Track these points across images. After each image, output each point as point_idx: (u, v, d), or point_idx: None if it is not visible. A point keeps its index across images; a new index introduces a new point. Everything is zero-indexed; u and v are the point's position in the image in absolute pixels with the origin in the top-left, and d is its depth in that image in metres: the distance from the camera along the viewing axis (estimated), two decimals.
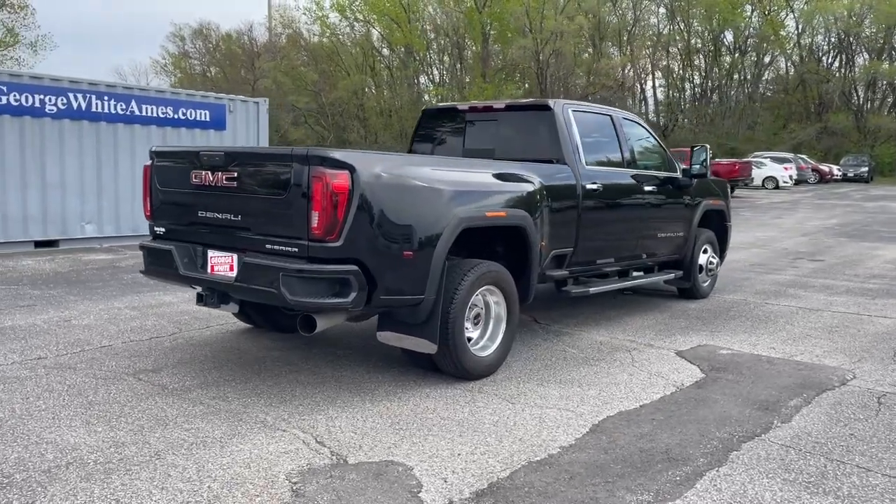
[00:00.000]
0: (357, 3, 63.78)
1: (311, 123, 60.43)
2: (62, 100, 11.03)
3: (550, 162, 5.99)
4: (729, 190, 8.64)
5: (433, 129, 6.90)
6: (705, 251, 8.01)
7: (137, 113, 11.92)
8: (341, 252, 4.13)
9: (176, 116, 12.42)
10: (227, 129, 13.16)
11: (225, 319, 6.37)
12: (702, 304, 7.76)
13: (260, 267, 4.25)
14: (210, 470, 3.38)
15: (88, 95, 11.34)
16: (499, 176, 5.13)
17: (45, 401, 4.28)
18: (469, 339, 4.89)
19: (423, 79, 67.36)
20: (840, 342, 6.22)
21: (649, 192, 6.86)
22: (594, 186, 6.12)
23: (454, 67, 66.12)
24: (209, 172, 4.61)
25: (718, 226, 8.36)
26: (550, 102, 6.17)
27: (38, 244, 10.95)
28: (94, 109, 11.39)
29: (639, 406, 4.47)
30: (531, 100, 6.37)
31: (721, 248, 8.45)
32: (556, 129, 6.04)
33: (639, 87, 59.94)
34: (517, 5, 56.10)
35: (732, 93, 57.61)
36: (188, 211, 4.82)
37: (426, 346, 4.54)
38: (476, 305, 4.90)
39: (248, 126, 13.55)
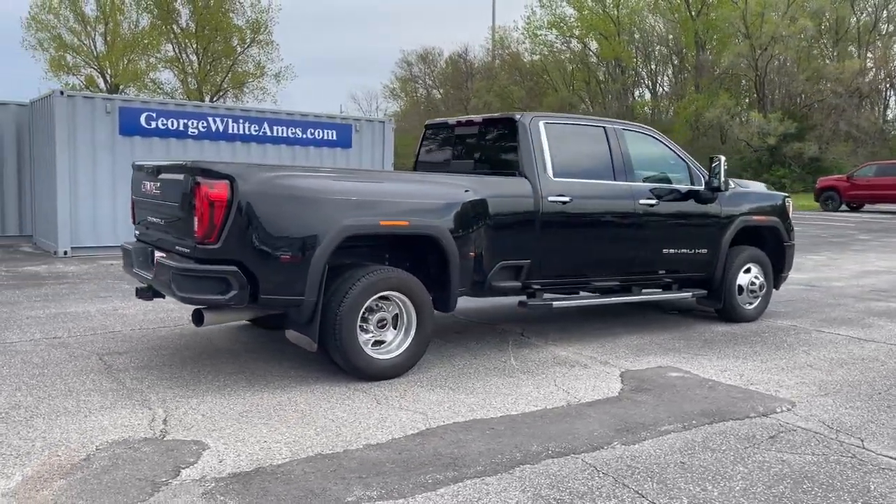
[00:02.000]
0: (571, 20, 64.01)
1: None
2: (203, 123, 12.66)
3: (513, 174, 6.04)
4: (788, 205, 7.88)
5: (432, 143, 7.17)
6: (748, 271, 7.42)
7: (269, 133, 13.31)
8: (220, 254, 4.62)
9: (304, 136, 13.66)
10: (352, 147, 14.20)
11: None
12: (735, 327, 7.21)
13: (162, 266, 4.87)
14: (51, 433, 4.01)
15: (226, 119, 12.90)
16: (412, 187, 5.34)
17: (11, 367, 5.22)
18: (381, 343, 5.16)
19: (639, 91, 65.94)
20: (836, 374, 5.58)
21: (650, 206, 6.58)
22: (562, 199, 6.05)
23: (666, 78, 63.95)
24: (149, 183, 5.34)
25: (773, 244, 7.70)
26: (517, 116, 6.21)
27: None
28: (230, 131, 12.93)
29: (501, 416, 4.47)
30: (501, 114, 6.44)
31: (777, 269, 7.76)
32: (518, 142, 6.08)
33: (893, 91, 53.59)
34: (734, 10, 53.08)
35: None
36: (144, 217, 5.60)
37: (309, 344, 4.89)
38: (381, 310, 5.14)
39: (373, 144, 14.51)
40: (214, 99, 58.17)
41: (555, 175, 6.12)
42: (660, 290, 7.04)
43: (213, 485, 3.41)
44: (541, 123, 6.20)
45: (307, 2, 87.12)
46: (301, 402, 4.62)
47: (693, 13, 58.08)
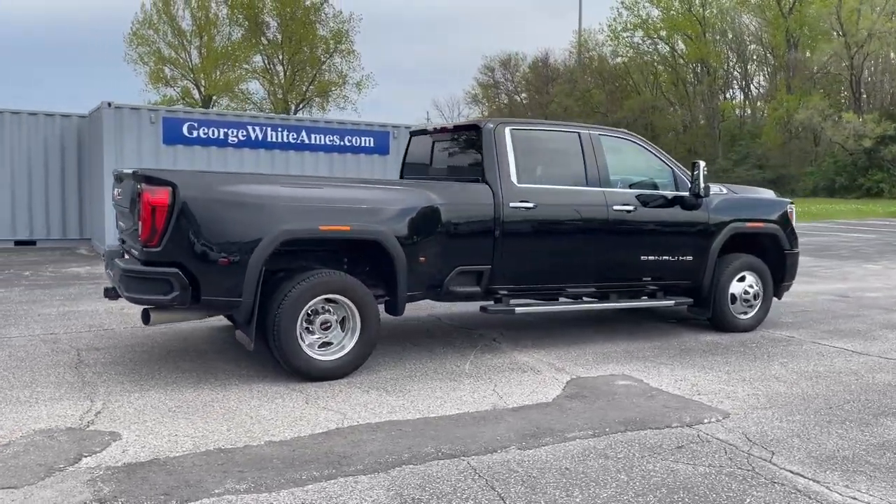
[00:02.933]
0: (656, 20, 62.65)
1: None
2: (242, 132, 13.20)
3: (476, 181, 6.11)
4: (790, 213, 7.57)
5: (416, 150, 7.28)
6: (742, 279, 7.19)
7: (307, 141, 13.74)
8: (162, 256, 4.89)
9: (342, 143, 14.03)
10: (390, 153, 14.47)
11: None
12: (724, 337, 7.01)
13: (115, 267, 5.20)
14: None
15: (265, 127, 13.40)
16: (357, 193, 5.49)
17: None
18: (329, 344, 5.33)
19: (730, 92, 63.89)
20: (797, 387, 5.40)
21: (626, 212, 6.50)
22: (525, 205, 6.07)
23: (759, 78, 61.75)
24: (117, 189, 5.70)
25: (773, 252, 7.43)
26: (481, 123, 6.26)
27: None
28: (269, 139, 13.42)
29: (418, 419, 4.54)
30: (469, 121, 6.49)
31: (778, 278, 7.48)
32: (481, 149, 6.13)
33: None
34: (828, 6, 50.75)
35: None
36: (118, 221, 5.97)
37: (248, 344, 5.11)
38: (326, 312, 5.30)
39: None
40: (299, 107, 60.07)
41: (519, 181, 6.13)
42: (643, 297, 6.92)
43: (101, 472, 3.64)
44: (507, 130, 6.23)
45: (391, 12, 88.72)
46: (233, 400, 4.83)
47: (785, 11, 55.92)
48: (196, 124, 12.84)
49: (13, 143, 13.73)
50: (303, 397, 4.90)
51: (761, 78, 63.54)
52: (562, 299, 6.75)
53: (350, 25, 59.01)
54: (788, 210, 7.54)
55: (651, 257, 6.70)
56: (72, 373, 5.39)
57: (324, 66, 60.22)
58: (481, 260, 5.97)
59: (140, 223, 4.89)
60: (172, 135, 12.67)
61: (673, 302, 6.93)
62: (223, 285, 4.98)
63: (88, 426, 4.30)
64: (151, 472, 3.66)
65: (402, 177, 7.39)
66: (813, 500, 3.46)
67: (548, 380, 5.45)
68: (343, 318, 5.38)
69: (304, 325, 5.22)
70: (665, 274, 6.84)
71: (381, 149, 14.40)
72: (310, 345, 5.24)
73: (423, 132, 7.15)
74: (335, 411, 4.64)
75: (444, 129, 6.80)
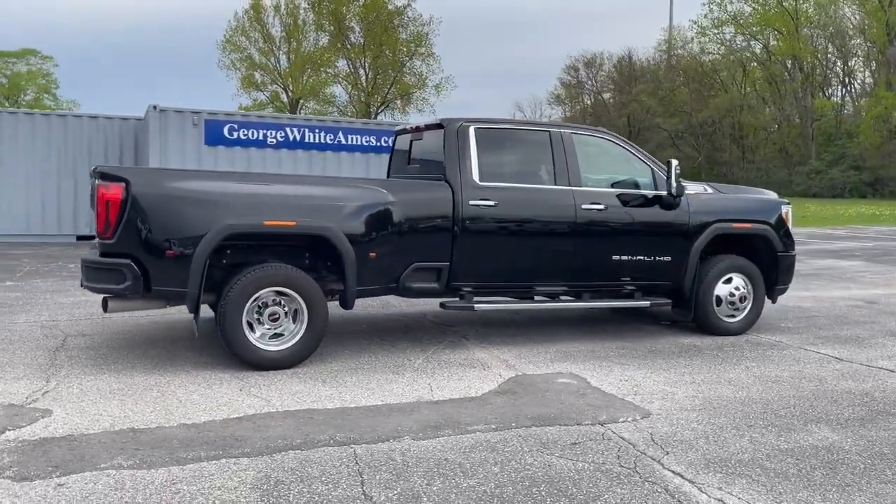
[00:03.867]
0: (747, 16, 60.55)
1: (681, 145, 58.97)
2: (281, 133, 13.67)
3: (439, 179, 6.20)
4: (785, 214, 7.29)
5: (399, 149, 7.41)
6: (728, 281, 6.99)
7: (343, 142, 14.10)
8: (116, 248, 5.23)
9: (378, 144, 14.31)
10: None
11: None
12: (705, 340, 6.85)
13: (81, 258, 5.57)
14: None
15: (303, 129, 13.84)
16: (306, 189, 5.67)
17: None
18: (281, 335, 5.54)
19: (829, 90, 61.06)
20: (744, 392, 5.26)
21: (597, 211, 6.45)
22: (486, 203, 6.12)
23: (859, 75, 58.79)
24: (90, 186, 6.08)
25: (766, 254, 7.19)
26: (445, 121, 6.35)
27: None
28: (306, 140, 13.85)
29: (336, 408, 4.68)
30: (436, 120, 6.57)
31: (771, 281, 7.23)
32: (444, 148, 6.22)
33: None
34: None
35: None
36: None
37: (192, 333, 5.37)
38: (276, 304, 5.51)
39: None
40: (380, 110, 61.13)
41: (481, 179, 6.19)
42: (620, 298, 6.84)
43: (12, 445, 3.93)
44: (471, 129, 6.29)
45: (471, 13, 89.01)
46: (174, 385, 5.09)
47: (885, 2, 52.99)
48: (236, 126, 13.39)
49: (77, 144, 14.68)
50: (240, 385, 5.12)
51: (866, 74, 60.39)
52: (538, 298, 6.74)
53: (430, 28, 59.61)
54: (783, 211, 7.26)
55: (624, 257, 6.61)
56: (46, 356, 5.79)
57: (404, 69, 60.96)
58: (439, 257, 6.05)
59: (96, 217, 5.23)
60: (214, 136, 13.26)
61: (649, 303, 6.81)
62: (171, 276, 5.26)
63: (30, 404, 4.64)
64: (56, 446, 3.94)
65: (388, 175, 7.55)
66: (675, 500, 3.41)
67: (491, 376, 5.49)
68: (296, 311, 5.58)
69: (255, 315, 5.44)
70: (642, 274, 6.74)
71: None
72: (261, 335, 5.46)
73: (405, 131, 7.28)
74: (262, 398, 4.83)
75: (417, 129, 6.91)
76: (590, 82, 75.11)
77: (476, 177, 6.17)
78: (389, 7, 58.43)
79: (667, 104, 60.05)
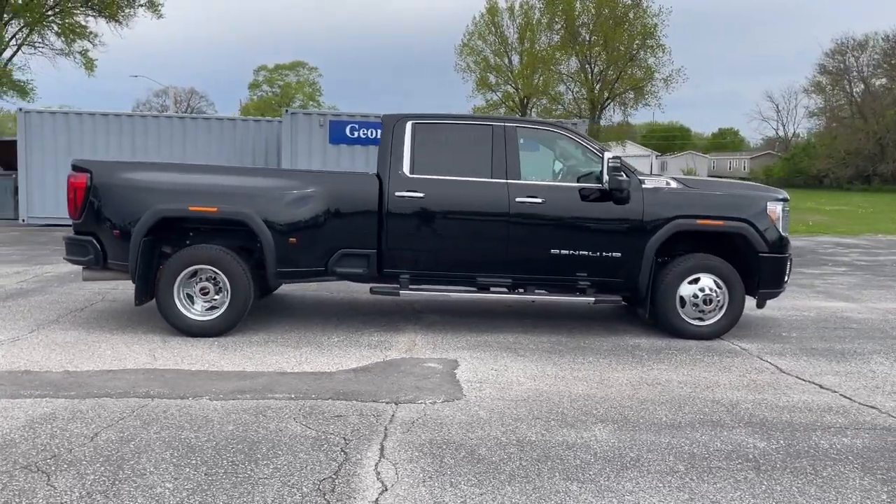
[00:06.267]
0: None
1: None
2: None
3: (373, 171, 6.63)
4: (771, 210, 6.58)
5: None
6: (694, 281, 6.58)
7: None
8: (81, 227, 6.37)
9: None
10: (539, 150, 14.68)
11: None
12: (658, 342, 6.56)
13: (63, 236, 6.78)
14: None
15: None
16: (231, 179, 6.39)
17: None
18: (215, 308, 6.34)
19: None
20: (611, 391, 5.13)
21: (532, 204, 6.46)
22: (414, 195, 6.44)
23: None
24: None
25: (747, 255, 6.65)
26: (385, 117, 6.72)
27: None
28: None
29: (177, 369, 5.34)
30: (384, 115, 6.88)
31: (752, 284, 6.67)
32: (381, 140, 6.62)
33: None
34: None
35: None
36: None
37: (134, 301, 6.33)
38: (207, 280, 6.31)
39: None
40: (605, 106, 60.37)
41: (412, 172, 6.50)
42: (571, 293, 6.73)
43: None
44: (408, 124, 6.62)
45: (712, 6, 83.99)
46: (104, 344, 6.02)
47: None
48: (356, 126, 14.52)
49: (229, 146, 16.73)
50: (156, 346, 5.97)
51: None
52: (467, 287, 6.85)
53: (659, 19, 57.55)
54: (767, 208, 6.61)
55: (564, 251, 6.52)
56: (28, 320, 6.88)
57: (633, 62, 59.36)
58: (366, 244, 6.47)
59: (67, 201, 6.40)
60: (337, 136, 14.51)
61: (593, 300, 6.62)
62: (119, 252, 6.28)
63: None
64: None
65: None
66: (345, 479, 3.60)
67: (374, 356, 5.83)
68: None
69: (196, 289, 6.29)
70: (590, 270, 6.58)
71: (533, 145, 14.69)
72: (201, 308, 6.28)
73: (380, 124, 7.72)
74: (148, 355, 5.67)
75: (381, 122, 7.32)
76: (857, 68, 66.58)
77: (407, 169, 6.49)
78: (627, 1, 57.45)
79: None
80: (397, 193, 6.44)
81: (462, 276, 6.69)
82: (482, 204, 6.49)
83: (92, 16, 30.25)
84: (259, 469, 3.63)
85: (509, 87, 63.91)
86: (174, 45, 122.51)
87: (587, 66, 61.18)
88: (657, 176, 6.82)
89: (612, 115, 63.34)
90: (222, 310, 6.30)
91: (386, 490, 3.44)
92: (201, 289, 6.33)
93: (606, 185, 6.36)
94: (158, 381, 5.03)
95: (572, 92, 62.41)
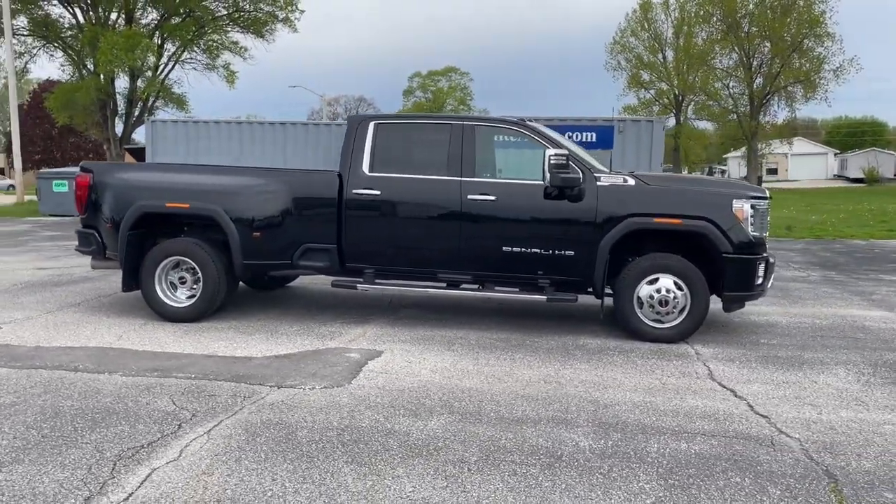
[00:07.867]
0: None
1: None
2: None
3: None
4: (738, 208, 6.15)
5: None
6: (653, 282, 6.36)
7: None
8: (86, 221, 7.21)
9: (590, 140, 14.52)
10: (614, 147, 14.37)
11: None
12: (613, 343, 6.41)
13: (75, 229, 7.64)
14: None
15: None
16: (202, 178, 6.93)
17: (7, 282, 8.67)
18: (192, 296, 6.95)
19: None
20: (494, 385, 5.17)
21: (484, 202, 6.54)
22: (370, 192, 6.71)
23: None
24: None
25: (714, 256, 6.33)
26: (349, 118, 7.01)
27: None
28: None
29: (124, 349, 5.94)
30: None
31: (716, 285, 6.37)
32: (344, 141, 6.94)
33: None
34: None
35: None
36: None
37: (122, 290, 7.05)
38: (185, 270, 6.92)
39: (638, 144, 14.38)
40: (766, 101, 56.81)
41: (371, 170, 6.77)
42: (529, 291, 6.71)
43: None
44: (371, 124, 6.89)
45: None
46: (101, 325, 6.81)
47: None
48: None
49: (323, 146, 17.61)
50: (125, 331, 6.59)
51: None
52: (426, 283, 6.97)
53: (826, 5, 53.32)
54: (733, 207, 6.24)
55: (516, 248, 6.53)
56: (25, 306, 7.95)
57: (800, 51, 55.35)
58: (327, 240, 6.81)
59: (76, 198, 7.25)
60: None
61: (546, 298, 6.54)
62: (115, 244, 7.03)
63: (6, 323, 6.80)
64: None
65: None
66: (150, 446, 3.98)
67: (311, 345, 6.16)
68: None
69: (178, 278, 6.93)
70: (545, 268, 6.54)
71: (605, 143, 14.43)
72: (182, 295, 6.91)
73: None
74: (115, 336, 6.32)
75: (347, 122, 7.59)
76: None
77: (366, 168, 6.76)
78: None
79: None
80: (354, 191, 6.72)
81: (423, 271, 6.85)
82: (436, 201, 6.63)
83: (240, 32, 32.82)
84: (88, 435, 4.06)
85: (663, 84, 61.82)
86: (340, 56, 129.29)
87: (747, 59, 57.82)
88: (616, 174, 6.61)
89: (777, 112, 59.28)
90: (194, 299, 6.88)
91: (178, 458, 3.75)
92: (180, 278, 6.95)
93: (547, 182, 6.29)
94: (96, 358, 5.64)
95: (728, 88, 59.24)
